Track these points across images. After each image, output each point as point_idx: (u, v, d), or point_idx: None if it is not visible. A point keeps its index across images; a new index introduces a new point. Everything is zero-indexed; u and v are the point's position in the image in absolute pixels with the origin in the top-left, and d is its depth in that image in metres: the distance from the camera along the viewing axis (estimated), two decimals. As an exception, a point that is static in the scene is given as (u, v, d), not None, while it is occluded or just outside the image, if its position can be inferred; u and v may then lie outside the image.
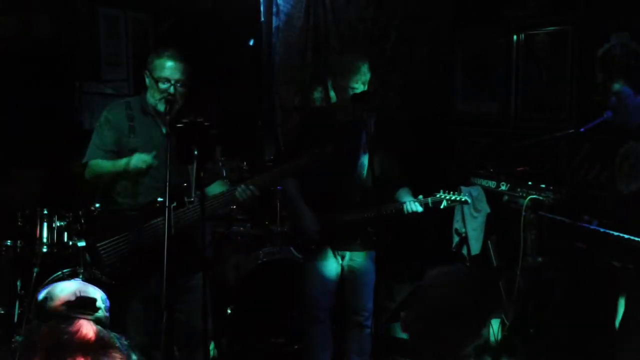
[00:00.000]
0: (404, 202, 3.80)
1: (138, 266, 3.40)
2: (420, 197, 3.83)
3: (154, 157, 3.42)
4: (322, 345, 4.07)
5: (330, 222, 3.90)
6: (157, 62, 3.48)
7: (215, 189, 3.59)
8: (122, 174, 3.47)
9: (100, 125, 3.59)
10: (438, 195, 3.81)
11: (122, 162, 3.45)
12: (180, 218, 3.39)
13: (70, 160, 5.13)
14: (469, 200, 3.91)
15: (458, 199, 3.80)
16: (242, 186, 3.43)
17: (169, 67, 3.45)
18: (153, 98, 3.51)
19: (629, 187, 3.70)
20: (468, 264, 4.27)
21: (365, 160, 3.86)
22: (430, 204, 3.80)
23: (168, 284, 3.06)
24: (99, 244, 3.47)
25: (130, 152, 3.49)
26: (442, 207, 3.80)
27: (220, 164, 4.01)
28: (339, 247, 3.98)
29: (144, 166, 3.39)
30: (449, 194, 3.79)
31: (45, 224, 4.64)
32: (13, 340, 4.30)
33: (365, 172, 3.88)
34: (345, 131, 3.86)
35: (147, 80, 3.54)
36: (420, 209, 3.79)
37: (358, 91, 3.73)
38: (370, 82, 3.85)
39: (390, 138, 3.96)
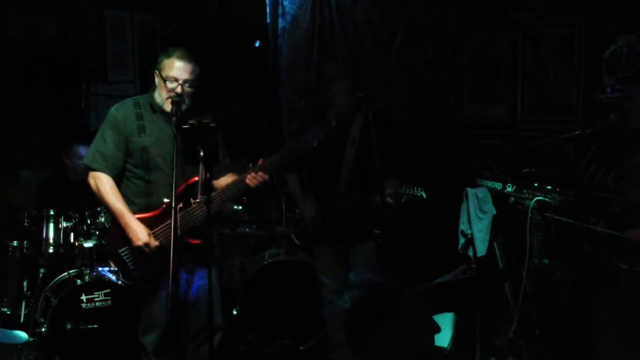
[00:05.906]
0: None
1: (163, 265, 3.27)
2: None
3: (163, 155, 3.48)
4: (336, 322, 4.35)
5: (326, 212, 4.27)
6: (167, 61, 3.50)
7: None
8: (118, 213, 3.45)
9: (106, 125, 3.57)
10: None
11: (126, 214, 3.43)
12: (190, 218, 3.45)
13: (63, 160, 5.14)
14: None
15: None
16: (252, 173, 3.48)
17: (177, 67, 3.48)
18: (160, 97, 3.54)
19: (637, 196, 3.70)
20: (474, 266, 4.27)
21: (351, 154, 4.23)
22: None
23: (173, 283, 3.07)
24: (119, 250, 3.48)
25: (141, 150, 3.49)
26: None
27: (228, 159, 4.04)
28: (338, 242, 4.32)
29: (137, 243, 3.39)
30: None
31: (51, 225, 4.66)
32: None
33: (352, 165, 4.26)
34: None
35: (155, 79, 3.57)
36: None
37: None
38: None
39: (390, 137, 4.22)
